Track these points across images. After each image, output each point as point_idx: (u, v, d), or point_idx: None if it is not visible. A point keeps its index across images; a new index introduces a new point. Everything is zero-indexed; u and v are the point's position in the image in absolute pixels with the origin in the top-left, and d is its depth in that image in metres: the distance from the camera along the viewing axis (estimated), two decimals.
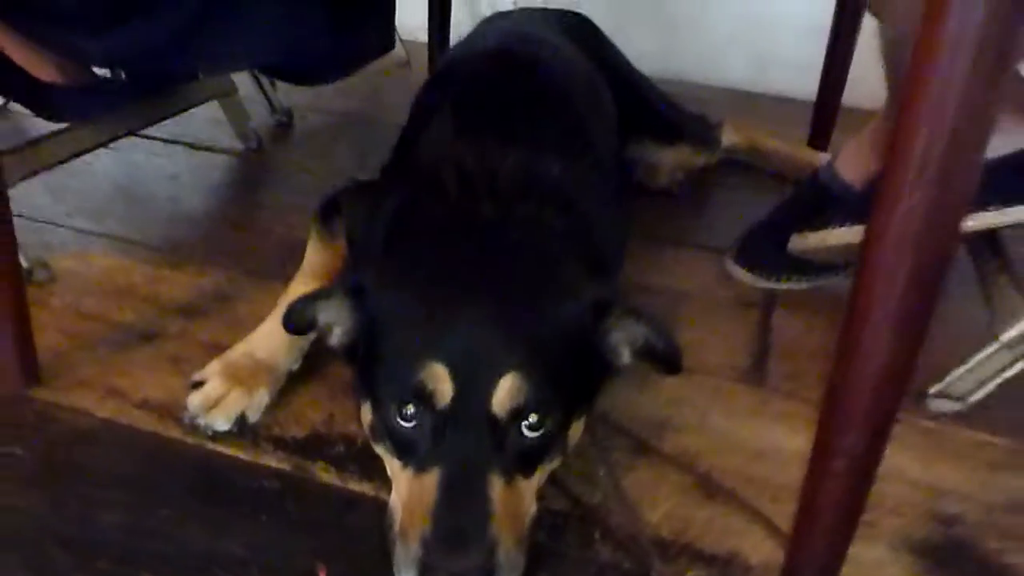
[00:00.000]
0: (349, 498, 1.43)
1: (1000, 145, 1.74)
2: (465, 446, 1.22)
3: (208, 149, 2.66)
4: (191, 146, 2.68)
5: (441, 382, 1.22)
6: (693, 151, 2.59)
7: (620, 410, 1.65)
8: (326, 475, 1.46)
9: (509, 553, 1.17)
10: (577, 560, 1.34)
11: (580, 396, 1.36)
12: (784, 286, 2.13)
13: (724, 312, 2.02)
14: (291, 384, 1.64)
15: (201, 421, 1.50)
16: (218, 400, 1.52)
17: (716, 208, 2.58)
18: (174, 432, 1.52)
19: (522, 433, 1.25)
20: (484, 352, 1.24)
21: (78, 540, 1.31)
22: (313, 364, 1.69)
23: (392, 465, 1.31)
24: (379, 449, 1.33)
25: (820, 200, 2.09)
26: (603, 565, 1.33)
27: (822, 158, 2.61)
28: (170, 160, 2.59)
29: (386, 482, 1.33)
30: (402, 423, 1.26)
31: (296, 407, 1.61)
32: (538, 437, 1.26)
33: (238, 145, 2.63)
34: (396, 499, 1.29)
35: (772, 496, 1.48)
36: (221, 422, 1.51)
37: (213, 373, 1.55)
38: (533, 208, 1.48)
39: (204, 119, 2.75)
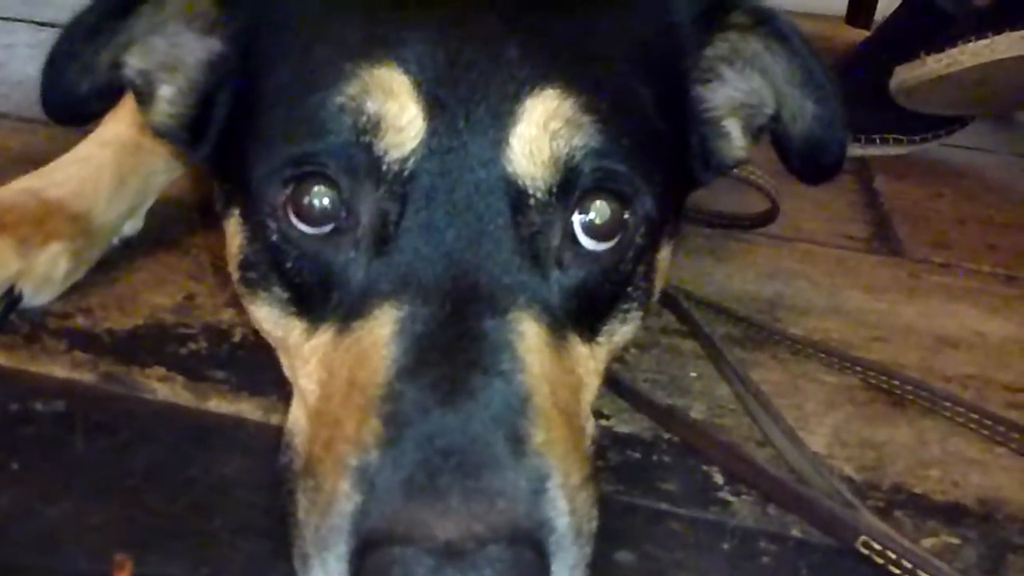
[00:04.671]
0: (201, 423, 0.70)
1: None
2: (456, 256, 0.52)
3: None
4: (38, 24, 1.97)
5: (394, 100, 0.53)
6: None
7: (709, 287, 0.97)
8: (163, 387, 0.74)
9: (572, 496, 0.47)
10: (684, 520, 0.64)
11: (670, 185, 0.67)
12: (876, 151, 1.49)
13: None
14: (120, 260, 0.92)
15: None
16: None
17: None
18: None
19: (577, 241, 0.56)
20: (491, 53, 0.56)
21: None
22: (162, 229, 0.96)
23: (288, 332, 0.60)
24: (260, 308, 0.62)
25: (927, 20, 1.47)
26: (735, 529, 0.63)
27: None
28: (7, 34, 1.87)
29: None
30: (306, 227, 0.56)
31: (124, 286, 0.88)
32: (608, 252, 0.57)
33: None
34: (298, 407, 0.59)
35: (1006, 401, 0.81)
36: None
37: None
38: None
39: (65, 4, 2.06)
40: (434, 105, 0.55)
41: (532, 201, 0.55)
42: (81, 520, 0.59)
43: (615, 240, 0.58)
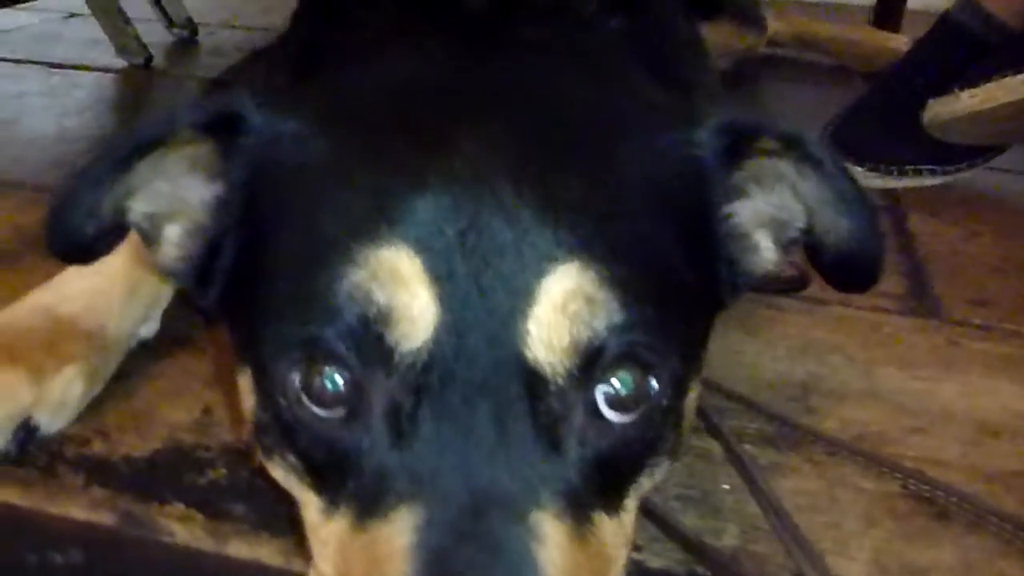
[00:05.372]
0: (226, 573, 0.69)
1: None
2: (473, 450, 0.50)
3: (74, 67, 1.95)
4: (48, 65, 1.96)
5: (404, 289, 0.50)
6: (735, 30, 1.94)
7: (739, 369, 0.93)
8: (182, 529, 0.72)
9: None
10: None
11: (697, 329, 0.64)
12: (910, 182, 1.44)
13: None
14: (137, 365, 0.90)
15: None
16: None
17: (778, 102, 1.90)
18: None
19: (600, 414, 0.53)
20: (503, 223, 0.52)
21: None
22: (178, 327, 0.95)
23: (306, 504, 0.58)
24: (276, 470, 0.60)
25: (959, 49, 1.41)
26: None
27: (902, 41, 1.97)
28: (17, 81, 1.86)
29: (301, 542, 0.61)
30: (316, 409, 0.53)
31: (141, 399, 0.87)
32: (633, 423, 0.54)
33: (119, 62, 2.01)
34: None
35: None
36: None
37: None
38: None
39: (77, 39, 2.17)
40: (446, 290, 0.52)
41: (552, 387, 0.52)
42: None
43: (640, 412, 0.55)
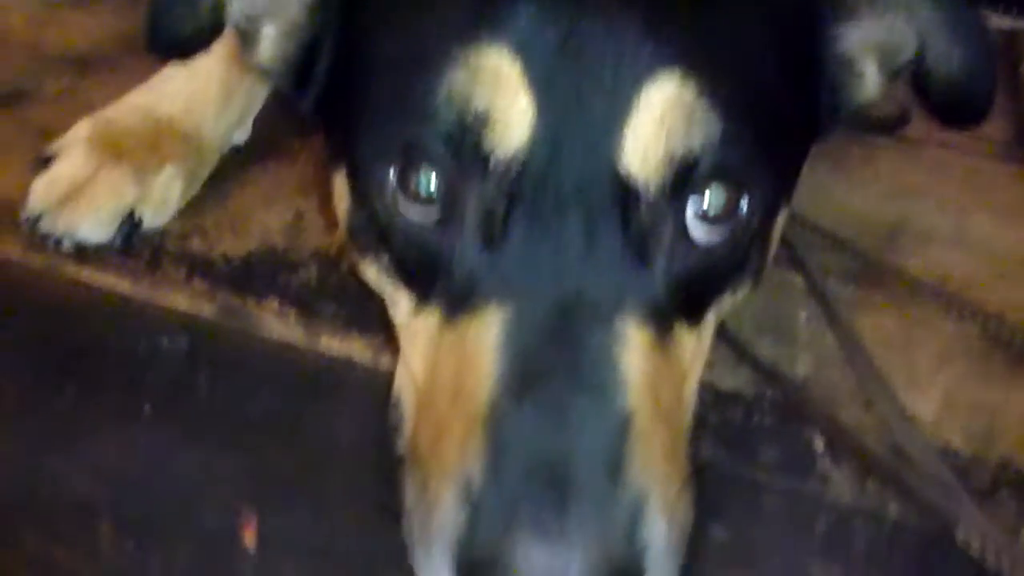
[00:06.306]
0: (317, 367, 0.73)
1: None
2: (562, 256, 0.51)
3: None
4: None
5: (503, 92, 0.50)
6: None
7: (826, 205, 0.92)
8: (277, 323, 0.77)
9: (670, 512, 0.49)
10: (780, 495, 0.65)
11: (792, 154, 0.63)
12: None
13: None
14: (231, 171, 0.93)
15: (52, 224, 0.80)
16: (82, 186, 0.81)
17: None
18: (10, 247, 0.82)
19: (688, 230, 0.54)
20: (605, 30, 0.52)
21: None
22: (270, 135, 0.96)
23: (396, 301, 0.61)
24: (368, 269, 0.63)
25: None
26: (832, 506, 0.64)
27: None
28: None
29: (390, 339, 0.65)
30: (411, 209, 0.55)
31: (236, 203, 0.90)
32: (721, 242, 0.55)
33: None
34: (404, 377, 0.60)
35: None
36: (88, 226, 0.81)
37: (76, 141, 0.84)
38: None
39: None
40: (545, 95, 0.52)
41: (643, 199, 0.53)
42: (209, 472, 0.64)
43: (729, 230, 0.56)
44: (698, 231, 0.55)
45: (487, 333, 0.52)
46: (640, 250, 0.53)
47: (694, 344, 0.58)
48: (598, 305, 0.51)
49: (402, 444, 0.58)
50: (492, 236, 0.53)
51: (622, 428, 0.49)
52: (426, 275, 0.57)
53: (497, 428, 0.48)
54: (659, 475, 0.49)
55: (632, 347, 0.51)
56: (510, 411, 0.49)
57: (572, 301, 0.51)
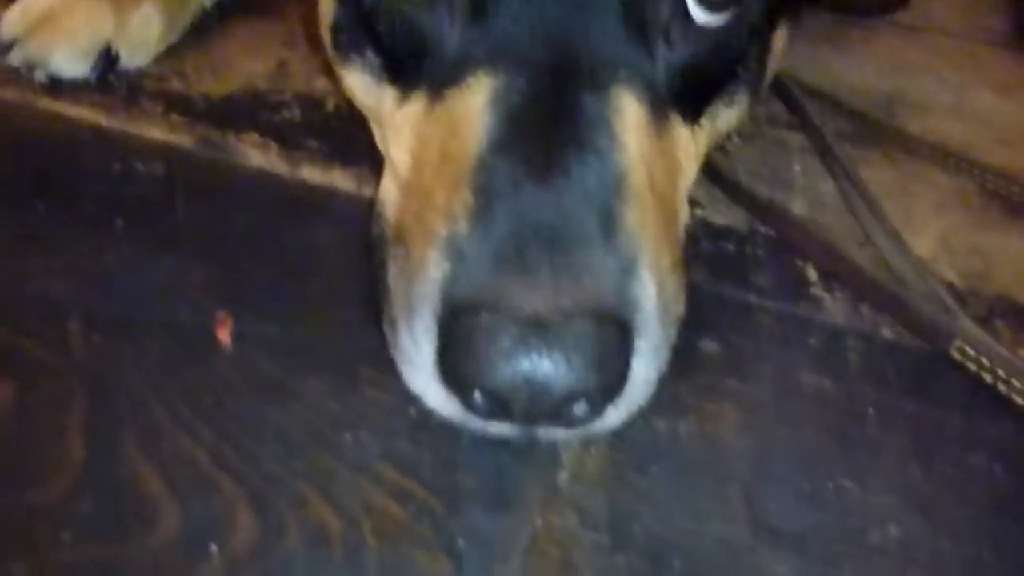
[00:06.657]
0: (295, 192, 0.71)
1: None
2: (556, 25, 0.49)
3: None
4: None
5: None
6: None
7: (823, 78, 0.90)
8: (257, 154, 0.74)
9: (660, 278, 0.47)
10: (772, 314, 0.63)
11: None
12: None
13: None
14: (214, 24, 0.90)
15: (24, 52, 0.77)
16: (58, 16, 0.78)
17: None
18: None
19: (687, 12, 0.52)
20: None
21: None
22: None
23: (380, 99, 0.59)
24: (351, 74, 0.61)
25: None
26: (824, 326, 0.62)
27: None
28: None
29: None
30: None
31: (218, 51, 0.87)
32: (720, 29, 0.53)
33: None
34: (389, 178, 0.58)
35: None
36: (63, 56, 0.78)
37: None
38: None
39: None
40: None
41: None
42: (184, 278, 0.61)
43: (730, 13, 0.54)
44: (699, 15, 0.53)
45: (475, 99, 0.49)
46: (638, 24, 0.51)
47: (687, 142, 0.56)
48: (594, 73, 0.49)
49: (383, 244, 0.56)
50: (483, 6, 0.51)
51: (615, 184, 0.47)
52: (413, 60, 0.55)
53: (485, 182, 0.46)
54: (652, 240, 0.47)
55: (627, 117, 0.49)
56: (499, 165, 0.46)
57: (566, 68, 0.49)
